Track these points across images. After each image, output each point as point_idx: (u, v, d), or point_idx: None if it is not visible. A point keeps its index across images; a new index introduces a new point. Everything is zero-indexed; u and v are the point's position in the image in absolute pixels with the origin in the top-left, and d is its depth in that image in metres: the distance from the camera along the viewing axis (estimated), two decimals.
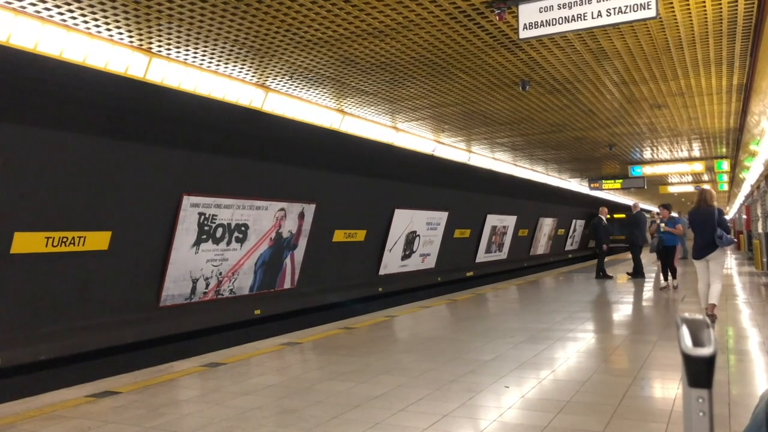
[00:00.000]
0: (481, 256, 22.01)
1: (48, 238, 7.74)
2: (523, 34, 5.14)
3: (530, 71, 7.45)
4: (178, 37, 5.83)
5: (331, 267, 13.69)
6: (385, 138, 10.84)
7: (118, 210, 8.50)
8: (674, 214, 12.00)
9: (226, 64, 6.78)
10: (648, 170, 17.16)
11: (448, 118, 10.21)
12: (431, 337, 6.95)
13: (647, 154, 15.61)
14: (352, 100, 8.67)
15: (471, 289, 12.77)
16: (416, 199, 15.93)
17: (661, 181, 21.36)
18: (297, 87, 7.89)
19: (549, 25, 5.03)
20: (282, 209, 11.49)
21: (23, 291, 7.74)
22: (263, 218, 11.10)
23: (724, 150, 14.86)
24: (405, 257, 16.68)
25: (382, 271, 15.69)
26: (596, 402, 4.17)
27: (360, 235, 14.28)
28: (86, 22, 5.33)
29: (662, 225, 11.32)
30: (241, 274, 11.00)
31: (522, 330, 7.20)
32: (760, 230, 15.72)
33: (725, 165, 16.68)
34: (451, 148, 13.07)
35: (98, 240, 8.37)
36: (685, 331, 1.40)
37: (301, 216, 12.00)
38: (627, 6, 4.74)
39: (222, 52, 6.34)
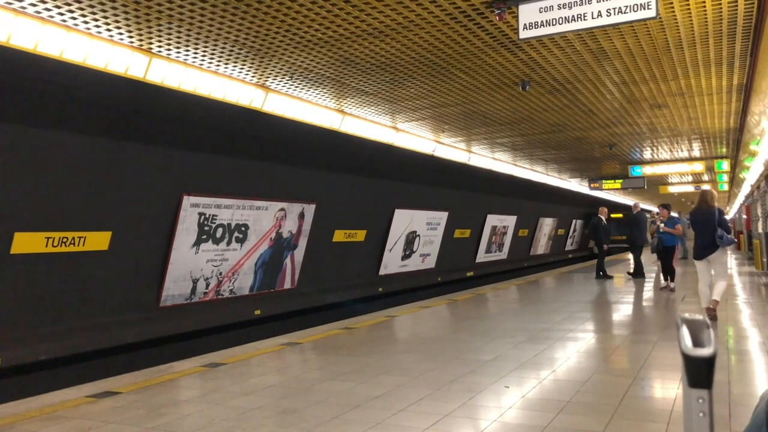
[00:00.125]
0: (481, 256, 22.01)
1: (48, 238, 7.74)
2: (523, 34, 5.14)
3: (530, 71, 7.45)
4: (178, 37, 5.83)
5: (331, 267, 13.69)
6: (385, 138, 10.85)
7: (119, 210, 8.50)
8: (674, 214, 11.99)
9: (226, 64, 6.78)
10: (648, 170, 17.16)
11: (448, 119, 10.21)
12: (431, 337, 6.95)
13: (647, 154, 15.61)
14: (352, 100, 8.67)
15: (471, 289, 12.77)
16: (416, 199, 15.93)
17: (661, 181, 21.37)
18: (297, 87, 7.89)
19: (549, 25, 5.03)
20: (282, 209, 11.49)
21: (23, 291, 7.74)
22: (263, 218, 11.10)
23: (724, 150, 14.86)
24: (405, 257, 16.68)
25: (382, 271, 15.69)
26: (596, 402, 4.17)
27: (360, 235, 14.28)
28: (86, 22, 5.33)
29: (661, 225, 11.31)
30: (242, 274, 11.00)
31: (522, 330, 7.20)
32: (760, 230, 15.72)
33: (725, 165, 16.68)
34: (451, 148, 13.08)
35: (98, 240, 8.37)
36: (685, 332, 1.40)
37: (301, 216, 12.00)
38: (627, 6, 4.74)
39: (222, 52, 6.35)
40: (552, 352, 5.89)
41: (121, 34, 5.67)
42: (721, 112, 10.23)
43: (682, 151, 14.91)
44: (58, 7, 4.99)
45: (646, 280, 13.47)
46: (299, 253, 12.27)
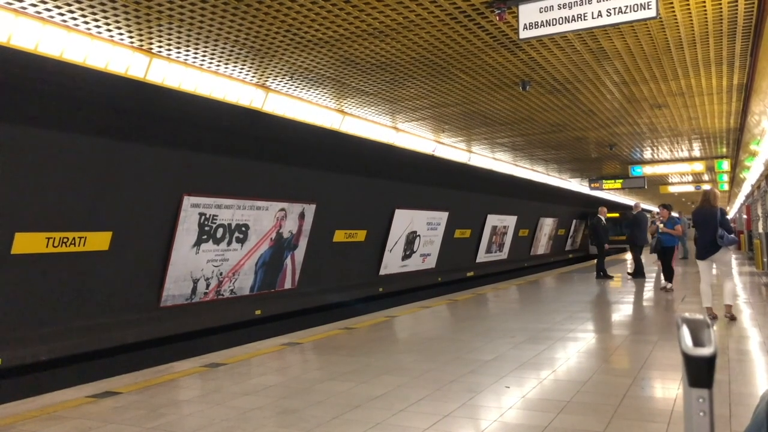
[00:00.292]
0: (482, 256, 22.01)
1: (49, 238, 7.74)
2: (524, 34, 5.14)
3: (530, 71, 7.45)
4: (179, 37, 5.83)
5: (331, 267, 13.69)
6: (386, 138, 10.85)
7: (119, 210, 8.50)
8: (675, 215, 11.97)
9: (227, 64, 6.78)
10: (648, 170, 17.15)
11: (448, 119, 10.21)
12: (432, 337, 6.95)
13: (647, 154, 15.61)
14: (352, 100, 8.68)
15: (471, 289, 12.77)
16: (416, 199, 15.93)
17: (662, 181, 21.36)
18: (297, 87, 7.89)
19: (549, 25, 5.03)
20: (282, 209, 11.49)
21: (24, 291, 7.75)
22: (264, 218, 11.11)
23: (724, 150, 14.86)
24: (405, 257, 16.68)
25: (382, 272, 15.69)
26: (597, 402, 4.17)
27: (360, 235, 14.28)
28: (87, 22, 5.33)
29: (660, 225, 11.31)
30: (242, 274, 11.00)
31: (522, 330, 7.20)
32: (760, 230, 15.72)
33: (725, 165, 16.68)
34: (451, 149, 13.08)
35: (99, 240, 8.37)
36: (685, 331, 1.40)
37: (302, 216, 12.00)
38: (627, 6, 4.74)
39: (222, 52, 6.35)
40: (552, 352, 5.89)
41: (121, 34, 5.67)
42: (721, 111, 10.23)
43: (682, 151, 14.91)
44: (59, 7, 4.99)
45: (646, 280, 13.46)
46: (299, 253, 12.27)
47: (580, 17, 4.92)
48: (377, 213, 14.66)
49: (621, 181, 18.99)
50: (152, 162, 8.68)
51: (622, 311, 9.03)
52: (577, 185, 23.00)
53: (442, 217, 17.67)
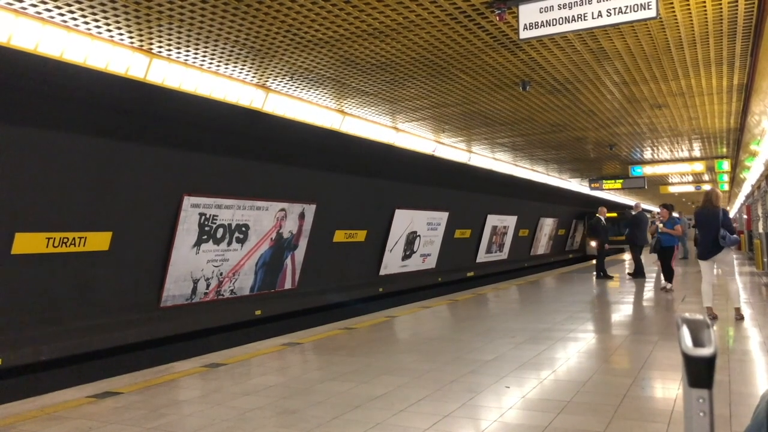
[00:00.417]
0: (482, 257, 22.01)
1: (49, 238, 7.75)
2: (524, 34, 5.14)
3: (530, 71, 7.45)
4: (179, 37, 5.83)
5: (331, 267, 13.69)
6: (386, 138, 10.85)
7: (119, 210, 8.50)
8: (675, 215, 11.95)
9: (227, 64, 6.78)
10: (648, 170, 17.15)
11: (448, 119, 10.21)
12: (432, 338, 6.95)
13: (648, 154, 15.61)
14: (352, 100, 8.68)
15: (472, 289, 12.77)
16: (417, 199, 15.93)
17: (662, 181, 21.36)
18: (297, 87, 7.89)
19: (549, 25, 5.03)
20: (282, 209, 11.50)
21: (24, 291, 7.75)
22: (264, 218, 11.11)
23: (724, 150, 14.86)
24: (405, 257, 16.68)
25: (382, 272, 15.69)
26: (597, 402, 4.17)
27: (360, 235, 14.28)
28: (87, 23, 5.33)
29: (660, 225, 11.32)
30: (242, 274, 11.00)
31: (523, 330, 7.20)
32: (760, 230, 15.72)
33: (726, 165, 16.67)
34: (451, 149, 13.08)
35: (99, 240, 8.38)
36: (685, 331, 1.40)
37: (302, 216, 12.00)
38: (627, 6, 4.74)
39: (222, 52, 6.35)
40: (552, 353, 5.89)
41: (121, 34, 5.67)
42: (721, 112, 10.23)
43: (682, 151, 14.90)
44: (59, 7, 4.99)
45: (646, 280, 13.46)
46: (300, 253, 12.27)
47: (581, 17, 4.92)
48: (377, 213, 14.66)
49: (621, 181, 18.99)
50: (152, 162, 8.68)
51: (623, 311, 9.03)
52: (578, 185, 23.00)
53: (442, 217, 17.67)
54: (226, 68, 6.92)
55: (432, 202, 16.74)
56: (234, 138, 9.55)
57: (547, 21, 5.03)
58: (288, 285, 12.25)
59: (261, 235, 11.15)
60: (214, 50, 6.26)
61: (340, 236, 13.54)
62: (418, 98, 8.68)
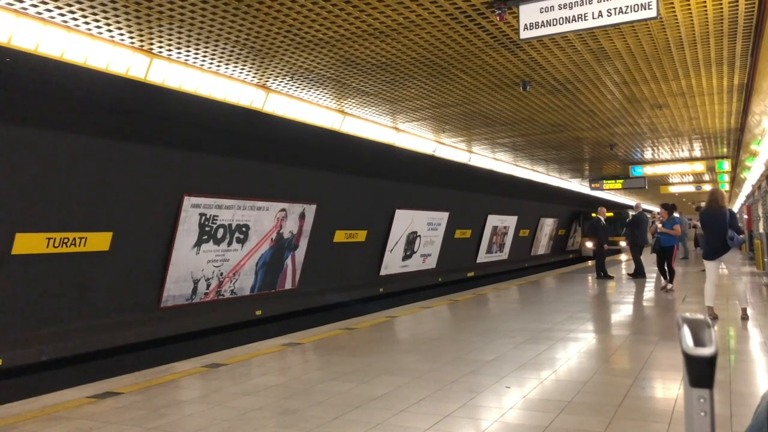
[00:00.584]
0: (482, 257, 22.01)
1: (49, 239, 7.75)
2: (524, 34, 5.14)
3: (531, 71, 7.45)
4: (179, 38, 5.83)
5: (332, 267, 13.69)
6: (386, 138, 10.85)
7: (119, 211, 8.50)
8: (676, 215, 11.94)
9: (227, 65, 6.78)
10: (649, 170, 17.15)
11: (448, 119, 10.21)
12: (432, 338, 6.95)
13: (648, 154, 15.61)
14: (352, 100, 8.68)
15: (472, 289, 12.76)
16: (417, 199, 15.93)
17: (662, 181, 21.36)
18: (297, 88, 7.89)
19: (550, 25, 5.03)
20: (283, 210, 11.50)
21: (24, 292, 7.75)
22: (264, 219, 11.11)
23: (725, 150, 14.85)
24: (406, 258, 16.68)
25: (383, 272, 15.69)
26: (598, 402, 4.17)
27: (361, 235, 14.28)
28: (87, 23, 5.34)
29: (659, 225, 11.33)
30: (242, 274, 11.00)
31: (523, 330, 7.20)
32: (761, 230, 15.71)
33: (726, 165, 16.67)
34: (451, 149, 13.08)
35: (99, 241, 8.38)
36: (686, 331, 1.39)
37: (302, 216, 12.00)
38: (628, 6, 4.74)
39: (223, 53, 6.35)
40: (553, 353, 5.89)
41: (122, 34, 5.68)
42: (721, 111, 10.22)
43: (683, 151, 14.90)
44: (59, 8, 4.99)
45: (647, 280, 13.46)
46: (300, 253, 12.27)
47: (581, 17, 4.92)
48: (378, 213, 14.66)
49: (622, 181, 18.99)
50: (153, 162, 8.68)
51: (623, 311, 9.03)
52: (578, 185, 22.99)
53: (442, 217, 17.67)
54: (227, 68, 6.92)
55: (432, 202, 16.74)
56: (234, 138, 9.55)
57: (547, 21, 5.03)
58: (288, 285, 12.25)
59: (261, 235, 11.15)
60: (215, 50, 6.26)
61: (340, 236, 13.54)
62: (418, 98, 8.68)
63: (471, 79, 7.69)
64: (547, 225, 28.17)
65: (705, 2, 5.35)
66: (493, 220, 21.46)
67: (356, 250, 14.30)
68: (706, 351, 1.35)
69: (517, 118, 10.32)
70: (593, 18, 4.88)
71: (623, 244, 27.02)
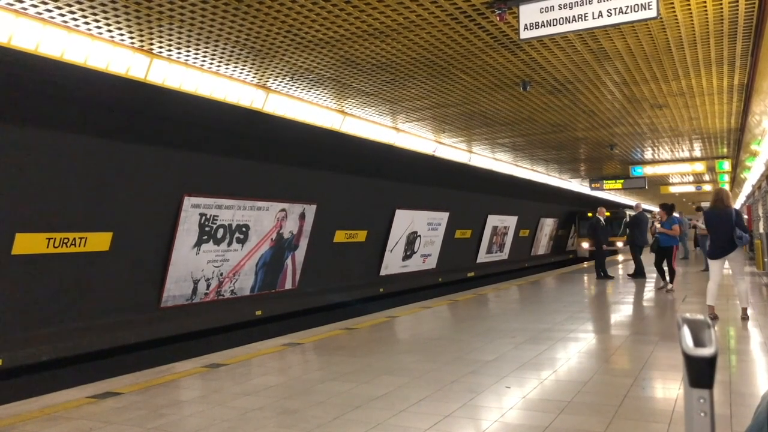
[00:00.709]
0: (482, 257, 22.01)
1: (49, 239, 7.75)
2: (524, 34, 5.14)
3: (531, 71, 7.45)
4: (179, 38, 5.83)
5: (332, 268, 13.69)
6: (386, 138, 10.85)
7: (119, 211, 8.50)
8: (676, 215, 11.94)
9: (227, 65, 6.78)
10: (649, 170, 17.15)
11: (448, 119, 10.21)
12: (432, 338, 6.95)
13: (648, 155, 15.61)
14: (352, 100, 8.68)
15: (472, 289, 12.76)
16: (417, 199, 15.93)
17: (662, 181, 21.36)
18: (298, 88, 7.89)
19: (550, 25, 5.03)
20: (283, 210, 11.50)
21: (24, 292, 7.75)
22: (264, 219, 11.11)
23: (725, 150, 14.85)
24: (406, 258, 16.68)
25: (383, 272, 15.69)
26: (598, 402, 4.17)
27: (361, 235, 14.28)
28: (87, 23, 5.34)
29: (658, 225, 11.35)
30: (242, 274, 11.00)
31: (523, 330, 7.20)
32: (761, 230, 15.70)
33: (726, 165, 16.67)
34: (451, 149, 13.08)
35: (99, 241, 8.38)
36: (686, 331, 1.39)
37: (302, 217, 12.01)
38: (628, 6, 4.74)
39: (223, 53, 6.35)
40: (553, 353, 5.89)
41: (122, 35, 5.68)
42: (722, 112, 10.22)
43: (683, 151, 14.90)
44: (59, 8, 4.99)
45: (647, 280, 13.46)
46: (300, 253, 12.27)
47: (581, 17, 4.92)
48: (378, 213, 14.67)
49: (622, 181, 19.00)
50: (153, 162, 8.68)
51: (623, 311, 9.03)
52: (578, 185, 22.99)
53: (442, 217, 17.67)
54: (227, 68, 6.92)
55: (432, 202, 16.74)
56: (234, 138, 9.56)
57: (547, 21, 5.03)
58: (288, 285, 12.25)
59: (261, 235, 11.15)
60: (215, 51, 6.26)
61: (340, 236, 13.54)
62: (418, 98, 8.68)
63: (471, 79, 7.69)
64: (547, 225, 28.17)
65: (705, 2, 5.35)
66: (493, 220, 21.46)
67: (356, 250, 14.30)
68: (706, 351, 1.35)
69: (517, 118, 10.32)
70: (593, 18, 4.88)
71: (620, 244, 27.07)
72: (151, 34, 5.69)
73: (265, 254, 11.38)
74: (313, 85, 7.79)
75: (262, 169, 10.64)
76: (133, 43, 5.91)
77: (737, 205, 32.93)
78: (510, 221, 23.04)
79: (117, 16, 5.21)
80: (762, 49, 6.32)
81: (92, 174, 7.99)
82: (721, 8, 5.49)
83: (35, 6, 4.95)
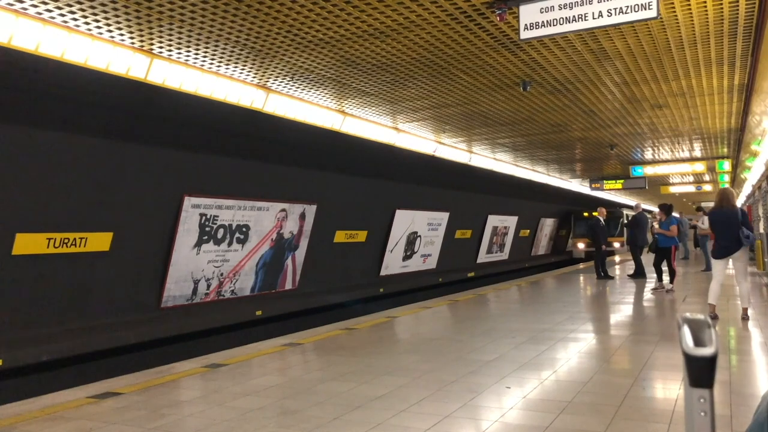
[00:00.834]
0: (483, 257, 22.00)
1: (49, 239, 7.75)
2: (524, 34, 5.14)
3: (531, 72, 7.45)
4: (179, 38, 5.83)
5: (332, 268, 13.69)
6: (386, 139, 10.85)
7: (120, 211, 8.50)
8: (675, 215, 11.95)
9: (227, 65, 6.78)
10: (649, 170, 17.16)
11: (449, 119, 10.21)
12: (432, 338, 6.95)
13: (648, 155, 15.60)
14: (353, 101, 8.68)
15: (472, 289, 12.76)
16: (417, 199, 15.93)
17: (663, 181, 21.36)
18: (298, 88, 7.89)
19: (550, 25, 5.03)
20: (283, 210, 11.50)
21: (25, 292, 7.75)
22: (264, 219, 11.11)
23: (725, 150, 14.85)
24: (406, 258, 16.68)
25: (383, 272, 15.69)
26: (598, 402, 4.17)
27: (361, 235, 14.28)
28: (87, 23, 5.34)
29: (656, 226, 11.36)
30: (243, 275, 11.00)
31: (523, 330, 7.20)
32: (761, 230, 15.70)
33: (726, 165, 16.67)
34: (452, 149, 13.08)
35: (100, 241, 8.38)
36: (686, 331, 1.39)
37: (302, 217, 12.00)
38: (628, 6, 4.74)
39: (223, 53, 6.35)
40: (553, 353, 5.89)
41: (122, 35, 5.68)
42: (722, 112, 10.22)
43: (683, 151, 14.90)
44: (60, 8, 4.99)
45: (647, 280, 13.45)
46: (300, 253, 12.27)
47: (581, 17, 4.92)
48: (378, 213, 14.66)
49: (622, 181, 19.00)
50: (153, 162, 8.68)
51: (623, 312, 9.02)
52: (578, 185, 22.99)
53: (442, 217, 17.67)
54: (227, 69, 6.93)
55: (433, 202, 16.74)
56: (235, 138, 9.56)
57: (547, 21, 5.03)
58: (288, 285, 12.25)
59: (261, 235, 11.15)
60: (215, 51, 6.26)
61: (340, 237, 13.54)
62: (418, 99, 8.68)
63: (471, 79, 7.69)
64: (547, 225, 28.16)
65: (705, 2, 5.35)
66: (493, 221, 21.45)
67: (357, 250, 14.30)
68: (706, 351, 1.35)
69: (518, 119, 10.32)
70: (593, 18, 4.88)
71: (617, 245, 27.06)
72: (152, 34, 5.69)
73: (265, 254, 11.38)
74: (313, 85, 7.79)
75: (263, 170, 10.64)
76: (133, 43, 5.91)
77: (737, 205, 32.92)
78: (510, 221, 23.03)
79: (117, 16, 5.21)
80: (762, 49, 6.32)
81: (92, 174, 7.99)
82: (722, 8, 5.49)
83: (35, 6, 4.95)
